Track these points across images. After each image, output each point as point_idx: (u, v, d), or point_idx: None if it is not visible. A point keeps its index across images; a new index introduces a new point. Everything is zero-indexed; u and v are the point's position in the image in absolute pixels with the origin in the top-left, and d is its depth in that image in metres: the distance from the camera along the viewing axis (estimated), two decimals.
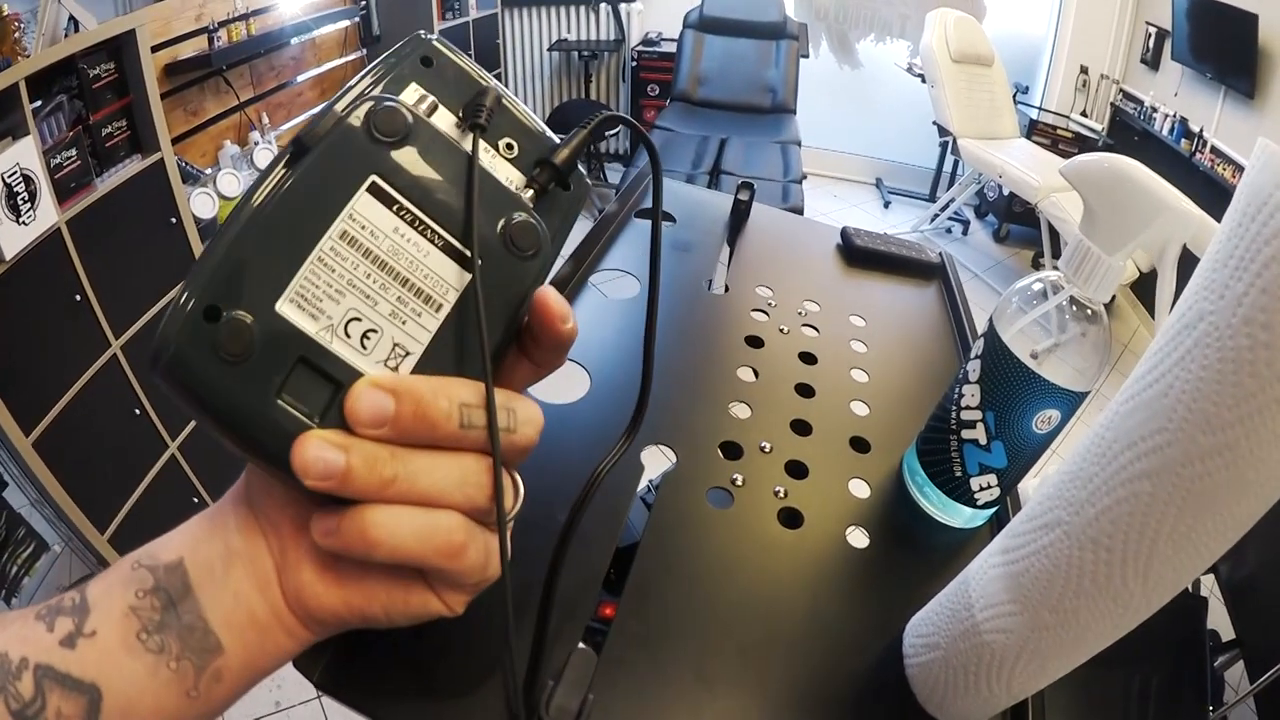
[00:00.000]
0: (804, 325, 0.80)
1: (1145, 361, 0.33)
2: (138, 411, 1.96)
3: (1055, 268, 0.51)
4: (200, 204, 2.22)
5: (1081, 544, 0.35)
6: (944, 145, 4.55)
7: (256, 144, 2.64)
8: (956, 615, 0.44)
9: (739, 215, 0.97)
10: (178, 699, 0.33)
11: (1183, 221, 0.46)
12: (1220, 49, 3.36)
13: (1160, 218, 0.46)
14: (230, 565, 0.35)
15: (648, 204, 0.97)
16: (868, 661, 0.50)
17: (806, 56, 4.41)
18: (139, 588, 0.33)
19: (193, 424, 2.14)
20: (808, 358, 0.75)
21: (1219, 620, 1.74)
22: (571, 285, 0.78)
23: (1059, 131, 4.37)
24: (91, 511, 1.82)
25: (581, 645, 0.43)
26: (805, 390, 0.71)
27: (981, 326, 0.57)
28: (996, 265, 4.44)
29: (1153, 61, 4.03)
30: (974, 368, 0.55)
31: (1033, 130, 4.42)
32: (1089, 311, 0.50)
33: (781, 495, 0.59)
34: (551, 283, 0.72)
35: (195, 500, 2.20)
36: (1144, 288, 3.63)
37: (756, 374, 0.71)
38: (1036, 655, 0.39)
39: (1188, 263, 0.44)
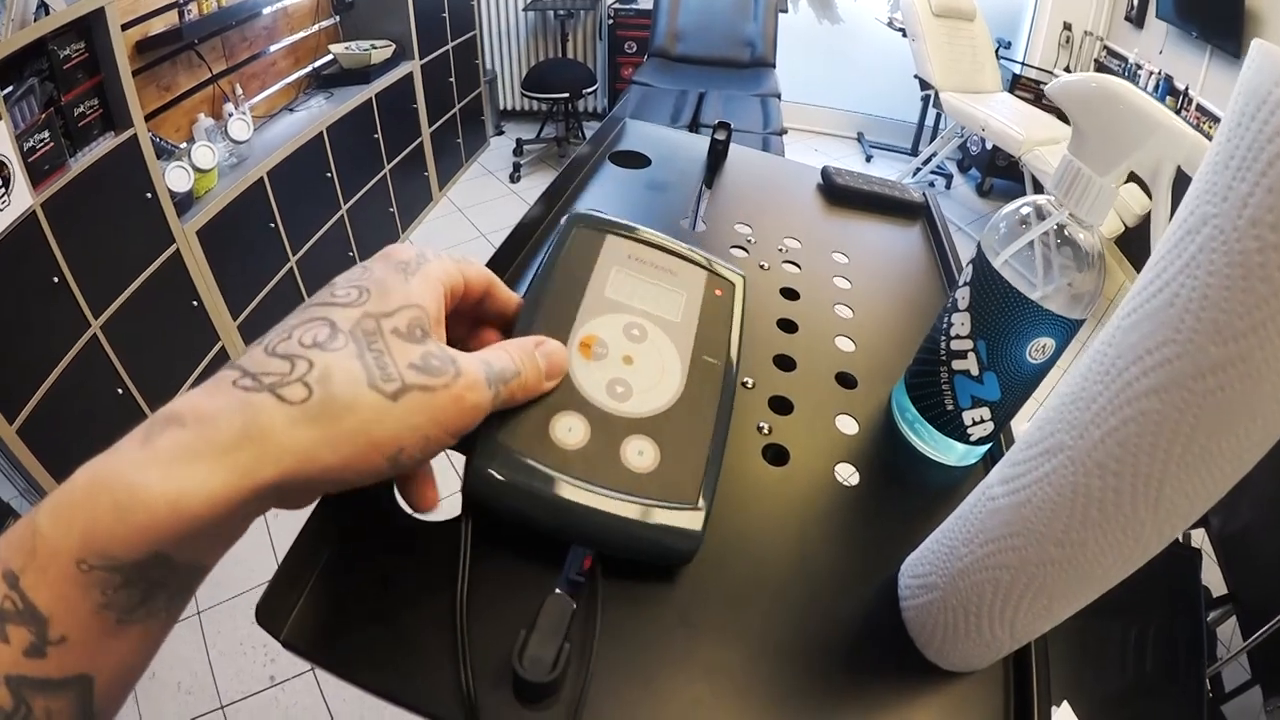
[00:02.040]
0: (785, 262, 0.78)
1: (1147, 271, 0.31)
2: (120, 391, 1.95)
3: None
4: (175, 178, 2.19)
5: (1087, 469, 0.33)
6: (925, 99, 4.53)
7: (230, 115, 2.61)
8: (955, 552, 0.42)
9: (716, 155, 0.95)
10: (165, 632, 0.33)
11: (1176, 140, 0.44)
12: (1206, 8, 3.33)
13: (1153, 137, 0.44)
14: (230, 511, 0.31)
15: (621, 147, 0.96)
16: (861, 605, 0.48)
17: (785, 11, 4.38)
18: (105, 588, 0.29)
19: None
20: (789, 293, 0.73)
21: (1210, 575, 1.75)
22: (543, 226, 0.76)
23: (1042, 86, 4.33)
24: None
25: (556, 591, 0.42)
26: (787, 325, 0.69)
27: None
28: (980, 219, 4.44)
29: (1137, 19, 4.01)
30: (963, 295, 0.53)
31: (1015, 85, 4.40)
32: (1080, 236, 0.48)
33: (765, 431, 0.58)
34: (522, 223, 0.71)
35: None
36: (1128, 241, 3.63)
37: None
38: (1042, 592, 0.37)
39: (1181, 190, 0.44)
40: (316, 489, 0.33)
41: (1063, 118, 2.94)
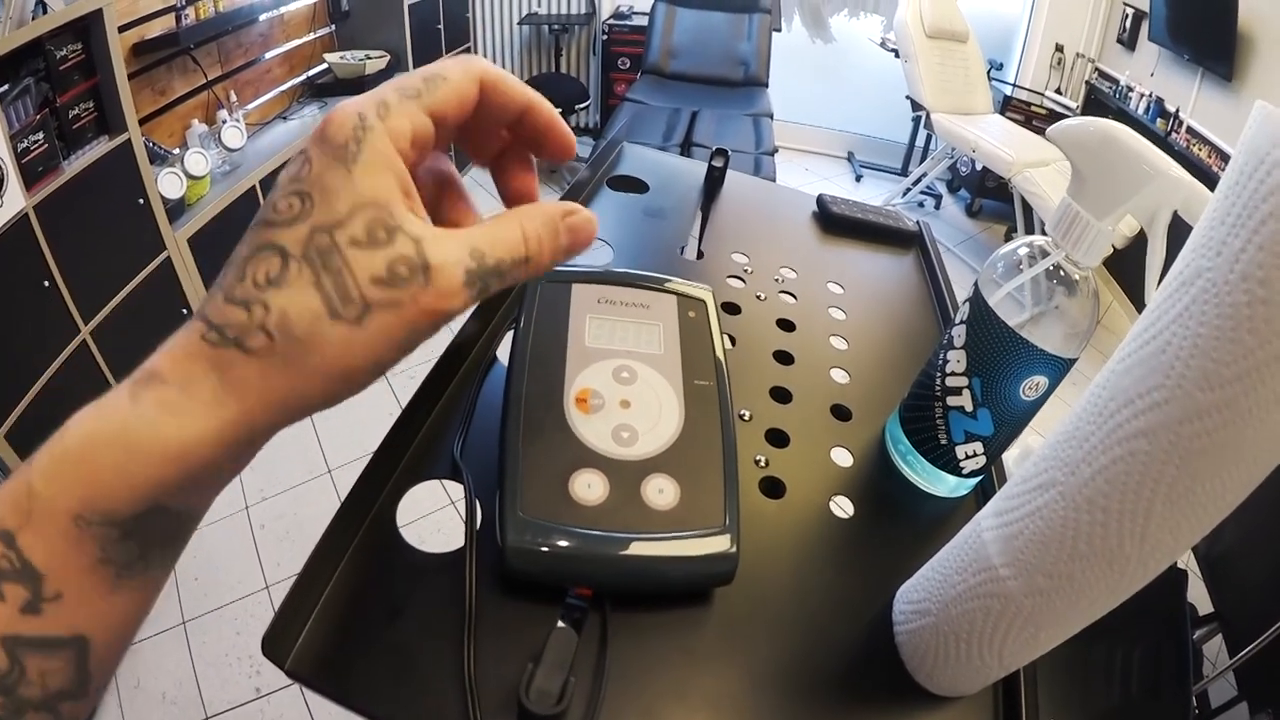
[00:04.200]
0: (781, 292, 0.79)
1: (1143, 320, 0.33)
2: None
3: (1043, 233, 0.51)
4: (168, 184, 2.18)
5: (1077, 505, 0.35)
6: (916, 120, 4.53)
7: (224, 122, 2.60)
8: (948, 580, 0.44)
9: (713, 182, 0.96)
10: (157, 591, 0.33)
11: (1173, 187, 0.45)
12: (1199, 31, 3.34)
13: (1151, 183, 0.45)
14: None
15: (619, 172, 0.96)
16: (856, 632, 0.50)
17: (779, 30, 4.38)
18: (102, 543, 0.30)
19: None
20: (785, 325, 0.74)
21: (1196, 593, 1.76)
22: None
23: (1033, 108, 4.35)
24: None
25: (561, 624, 0.43)
26: (784, 357, 0.70)
27: (961, 294, 0.56)
28: (969, 239, 4.44)
29: (1129, 42, 4.01)
30: (959, 333, 0.54)
31: (1006, 106, 4.40)
32: (1076, 277, 0.49)
33: (763, 464, 0.59)
34: None
35: None
36: (1117, 263, 3.65)
37: (733, 341, 0.70)
38: (1030, 622, 0.39)
39: (1177, 230, 0.45)
40: (312, 412, 0.32)
41: None
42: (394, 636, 0.44)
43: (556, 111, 0.38)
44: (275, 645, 0.41)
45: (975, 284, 0.54)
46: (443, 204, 0.39)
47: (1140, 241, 0.49)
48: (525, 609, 0.45)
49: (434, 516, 1.86)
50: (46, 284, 1.79)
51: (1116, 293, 3.76)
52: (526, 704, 0.38)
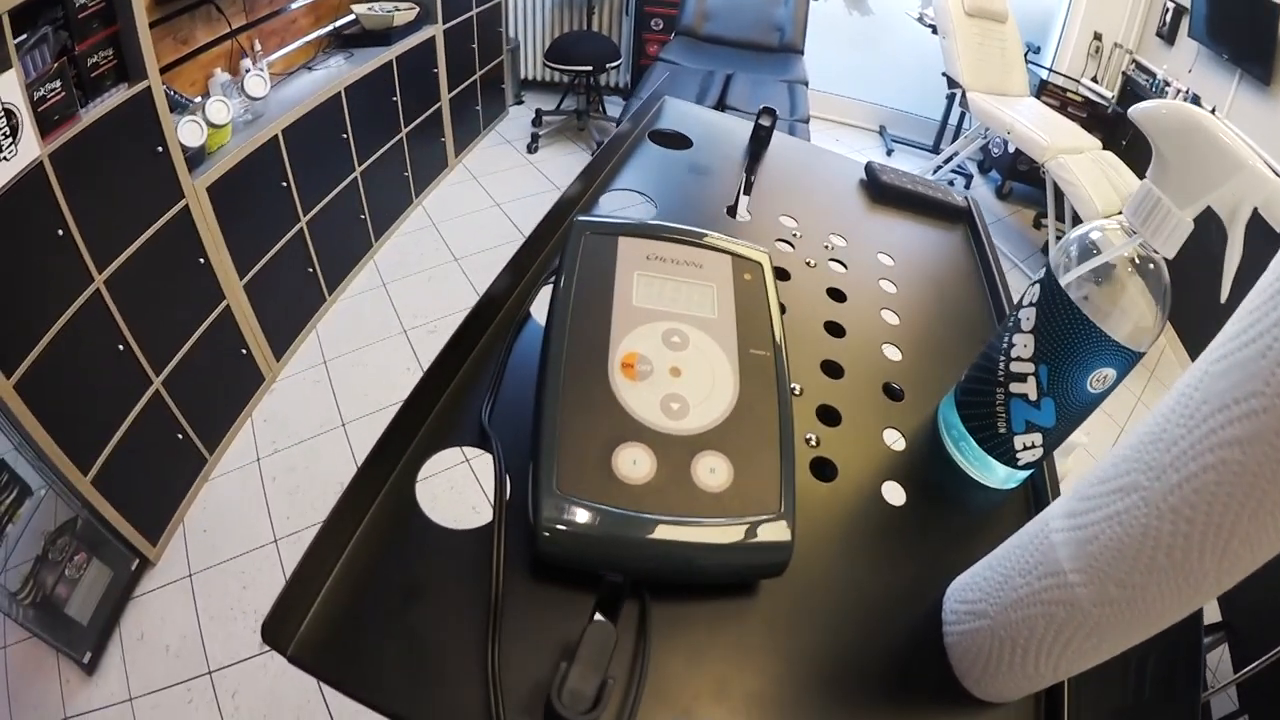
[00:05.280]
0: (831, 260, 0.76)
1: (1239, 320, 0.31)
2: (121, 348, 1.91)
3: (1112, 216, 0.48)
4: (188, 132, 2.14)
5: (1160, 512, 0.32)
6: (950, 97, 4.49)
7: (248, 71, 2.56)
8: (1009, 582, 0.41)
9: (759, 142, 0.92)
10: None
11: (1259, 182, 0.43)
12: (1239, 33, 3.30)
13: (1236, 176, 0.43)
14: None
15: (659, 126, 0.93)
16: (902, 630, 0.47)
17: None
18: None
19: (178, 357, 2.11)
20: (836, 294, 0.71)
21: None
22: (581, 204, 0.73)
23: (1069, 94, 4.30)
24: (74, 453, 1.78)
25: (598, 617, 0.39)
26: (835, 329, 0.66)
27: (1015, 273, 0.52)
28: (998, 222, 4.40)
29: (1169, 36, 3.99)
30: (1027, 316, 0.52)
31: (1042, 90, 4.35)
32: (1151, 265, 0.46)
33: (814, 444, 0.55)
34: (561, 200, 0.68)
35: (180, 436, 2.15)
36: None
37: (783, 308, 0.66)
38: (1094, 631, 0.36)
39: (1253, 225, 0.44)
40: None
41: (1088, 127, 2.89)
42: (409, 622, 0.40)
43: None
44: (277, 629, 0.37)
45: (1047, 265, 0.51)
46: None
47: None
48: (557, 595, 0.42)
49: (457, 489, 1.85)
50: (60, 233, 1.77)
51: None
52: (558, 707, 0.34)
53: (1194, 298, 1.12)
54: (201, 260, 2.22)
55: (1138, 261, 0.46)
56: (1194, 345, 3.22)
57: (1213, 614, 1.80)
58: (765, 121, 0.90)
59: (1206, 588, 0.32)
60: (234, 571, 2.04)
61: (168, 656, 1.87)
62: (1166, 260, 0.46)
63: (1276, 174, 0.43)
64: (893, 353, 0.66)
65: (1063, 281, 0.49)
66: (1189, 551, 0.31)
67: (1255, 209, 0.44)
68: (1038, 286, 0.51)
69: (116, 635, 1.90)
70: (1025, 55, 4.16)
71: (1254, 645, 1.59)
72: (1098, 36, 4.40)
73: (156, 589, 2.00)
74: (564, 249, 0.52)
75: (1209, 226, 0.46)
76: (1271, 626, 1.59)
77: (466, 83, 4.06)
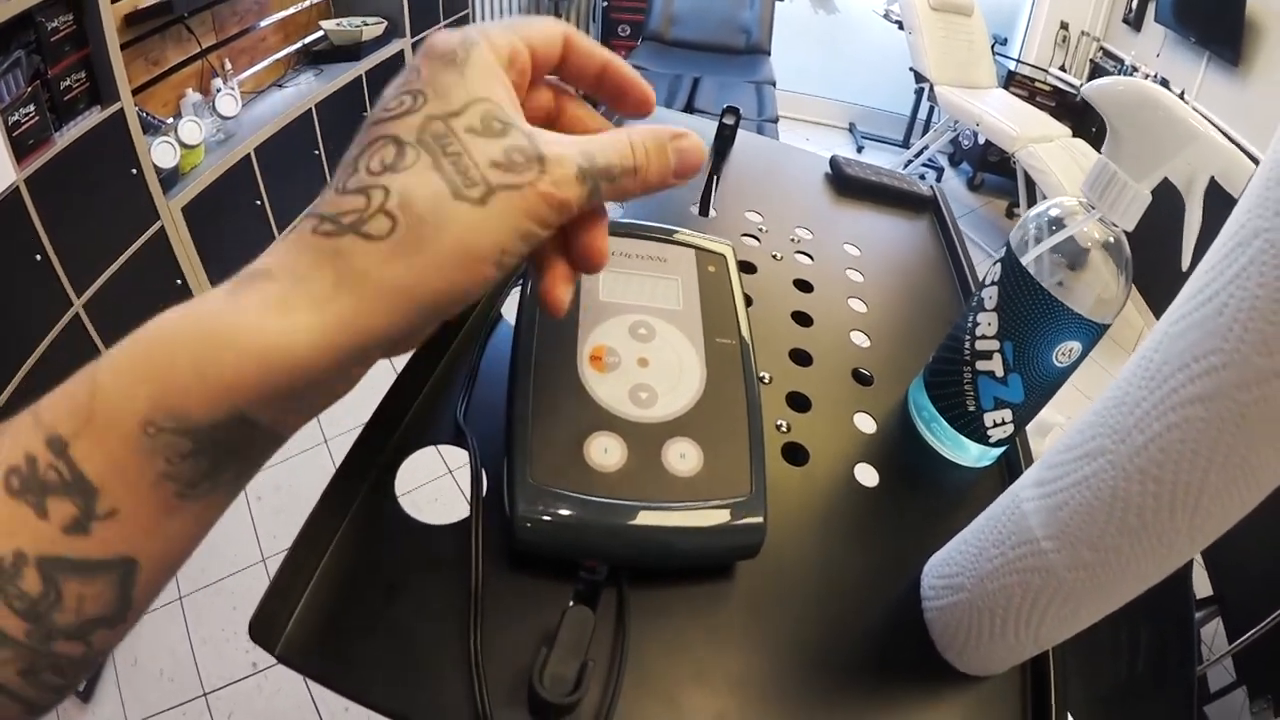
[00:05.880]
0: (797, 252, 0.77)
1: (1196, 279, 0.31)
2: None
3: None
4: (161, 153, 2.15)
5: (1128, 474, 0.33)
6: (919, 92, 4.52)
7: (219, 91, 2.56)
8: (984, 554, 0.42)
9: (724, 140, 0.93)
10: (219, 514, 0.30)
11: (1213, 151, 0.44)
12: (1206, 16, 3.33)
13: (1190, 146, 0.44)
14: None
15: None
16: (881, 608, 0.48)
17: (782, 0, 4.34)
18: (171, 455, 0.26)
19: None
20: (803, 285, 0.72)
21: (1195, 576, 1.76)
22: None
23: (1037, 84, 4.34)
24: None
25: (574, 603, 0.40)
26: (803, 319, 0.68)
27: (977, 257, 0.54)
28: (970, 213, 4.43)
29: (1135, 22, 4.02)
30: (990, 294, 0.53)
31: (1010, 81, 4.38)
32: (1110, 239, 0.48)
33: (784, 429, 0.56)
34: None
35: None
36: None
37: (750, 300, 0.67)
38: (1071, 597, 0.37)
39: (1211, 197, 0.45)
40: (429, 320, 0.30)
41: (1057, 116, 2.92)
42: (393, 617, 0.41)
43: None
44: (264, 628, 0.38)
45: (1007, 244, 0.52)
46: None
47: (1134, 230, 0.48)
48: (535, 585, 0.43)
49: (434, 484, 1.86)
50: (38, 257, 1.77)
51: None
52: (540, 691, 0.35)
53: (1167, 271, 1.14)
54: (179, 281, 2.22)
55: (1097, 236, 0.48)
56: None
57: (1204, 588, 1.81)
58: (729, 120, 0.91)
59: (1180, 546, 0.33)
60: (224, 593, 2.03)
61: (162, 680, 1.86)
62: (1128, 233, 0.48)
63: (1231, 143, 0.45)
64: (861, 339, 0.67)
65: (1024, 259, 0.50)
66: (1159, 511, 0.32)
67: (1213, 178, 0.45)
68: (999, 265, 0.53)
69: (111, 661, 1.88)
70: (992, 47, 4.19)
71: (1246, 616, 1.61)
72: (1064, 26, 4.44)
73: (148, 613, 1.98)
74: None
75: (1177, 198, 0.47)
76: (1263, 595, 1.61)
77: None
